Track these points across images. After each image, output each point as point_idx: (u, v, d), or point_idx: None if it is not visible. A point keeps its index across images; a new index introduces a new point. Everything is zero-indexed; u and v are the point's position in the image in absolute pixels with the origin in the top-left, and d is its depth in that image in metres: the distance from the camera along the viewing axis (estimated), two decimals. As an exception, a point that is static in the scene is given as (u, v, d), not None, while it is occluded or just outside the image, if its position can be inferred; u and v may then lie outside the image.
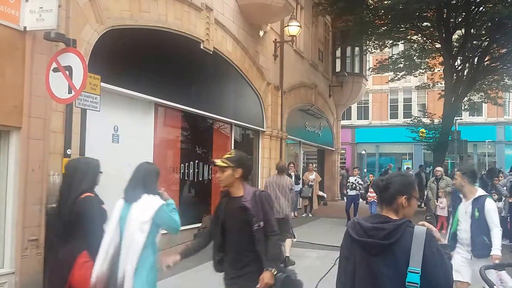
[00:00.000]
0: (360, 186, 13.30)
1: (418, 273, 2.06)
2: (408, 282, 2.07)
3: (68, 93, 5.26)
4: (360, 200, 13.34)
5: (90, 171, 3.69)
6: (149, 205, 3.34)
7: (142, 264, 3.26)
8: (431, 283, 2.11)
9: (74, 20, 6.14)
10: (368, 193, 12.92)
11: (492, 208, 4.44)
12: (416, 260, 2.07)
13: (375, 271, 2.17)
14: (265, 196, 3.32)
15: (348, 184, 13.67)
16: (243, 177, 3.30)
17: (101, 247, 3.29)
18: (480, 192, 4.58)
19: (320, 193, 17.79)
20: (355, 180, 13.27)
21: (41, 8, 5.37)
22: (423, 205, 13.21)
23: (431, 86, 21.11)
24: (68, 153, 5.36)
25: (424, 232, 2.13)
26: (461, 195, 4.71)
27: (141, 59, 7.72)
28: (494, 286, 2.87)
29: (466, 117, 28.95)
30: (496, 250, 4.26)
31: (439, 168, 12.30)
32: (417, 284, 2.06)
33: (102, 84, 5.97)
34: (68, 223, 3.46)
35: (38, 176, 5.56)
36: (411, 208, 2.29)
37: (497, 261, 4.08)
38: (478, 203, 4.47)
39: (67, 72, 5.27)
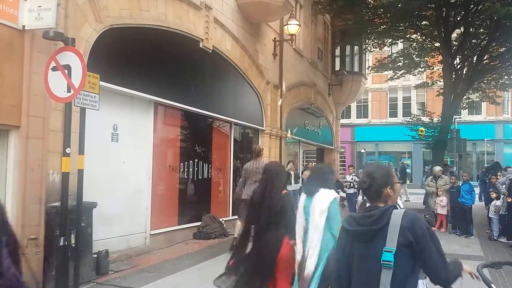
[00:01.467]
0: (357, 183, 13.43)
1: (392, 251, 2.17)
2: (382, 260, 2.19)
3: (67, 92, 5.25)
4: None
5: (284, 173, 4.63)
6: (326, 196, 4.05)
7: (325, 247, 3.93)
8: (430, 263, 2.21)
9: (73, 19, 6.13)
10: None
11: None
12: (391, 240, 2.19)
13: (368, 258, 2.27)
14: None
15: (346, 183, 13.78)
16: None
17: (296, 232, 4.12)
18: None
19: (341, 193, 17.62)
20: (351, 178, 13.46)
21: (39, 7, 5.36)
22: (422, 203, 13.25)
23: (430, 84, 21.13)
24: (67, 152, 5.34)
25: (401, 214, 2.24)
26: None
27: (140, 58, 7.72)
28: (492, 284, 2.85)
29: (465, 115, 29.01)
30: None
31: (438, 168, 12.31)
32: (391, 262, 2.17)
33: (101, 83, 5.96)
34: (274, 214, 4.17)
35: (38, 175, 5.55)
36: (395, 194, 2.44)
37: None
38: None
39: (66, 71, 5.26)
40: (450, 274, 2.26)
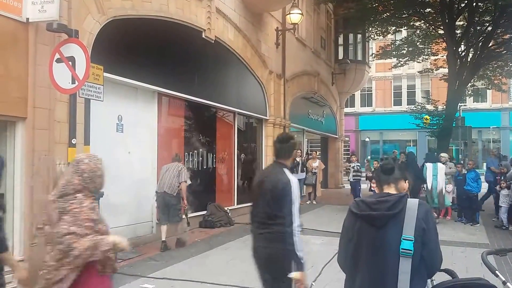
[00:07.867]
0: (360, 172, 13.96)
1: (412, 240, 2.17)
2: (402, 249, 2.18)
3: (72, 84, 5.32)
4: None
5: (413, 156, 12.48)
6: (443, 166, 10.60)
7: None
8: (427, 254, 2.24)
9: (76, 11, 6.18)
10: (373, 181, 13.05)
11: None
12: (409, 229, 2.19)
13: (381, 243, 2.25)
14: None
15: (349, 171, 14.14)
16: None
17: (428, 179, 10.40)
18: None
19: None
20: (353, 167, 13.97)
21: (43, -1, 5.42)
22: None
23: (434, 70, 20.96)
24: (73, 142, 5.43)
25: (417, 203, 2.27)
26: None
27: (144, 49, 7.76)
28: (496, 271, 2.85)
29: (470, 103, 28.84)
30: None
31: (443, 154, 12.24)
32: (411, 250, 2.17)
33: (105, 74, 6.02)
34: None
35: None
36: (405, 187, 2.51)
37: None
38: None
39: (70, 63, 5.32)
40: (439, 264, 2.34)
